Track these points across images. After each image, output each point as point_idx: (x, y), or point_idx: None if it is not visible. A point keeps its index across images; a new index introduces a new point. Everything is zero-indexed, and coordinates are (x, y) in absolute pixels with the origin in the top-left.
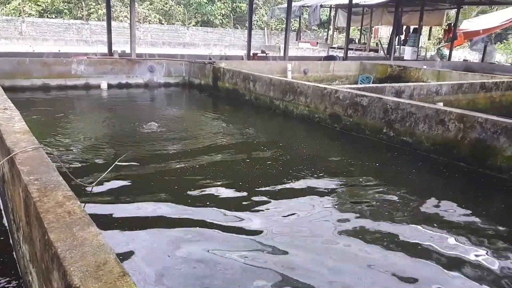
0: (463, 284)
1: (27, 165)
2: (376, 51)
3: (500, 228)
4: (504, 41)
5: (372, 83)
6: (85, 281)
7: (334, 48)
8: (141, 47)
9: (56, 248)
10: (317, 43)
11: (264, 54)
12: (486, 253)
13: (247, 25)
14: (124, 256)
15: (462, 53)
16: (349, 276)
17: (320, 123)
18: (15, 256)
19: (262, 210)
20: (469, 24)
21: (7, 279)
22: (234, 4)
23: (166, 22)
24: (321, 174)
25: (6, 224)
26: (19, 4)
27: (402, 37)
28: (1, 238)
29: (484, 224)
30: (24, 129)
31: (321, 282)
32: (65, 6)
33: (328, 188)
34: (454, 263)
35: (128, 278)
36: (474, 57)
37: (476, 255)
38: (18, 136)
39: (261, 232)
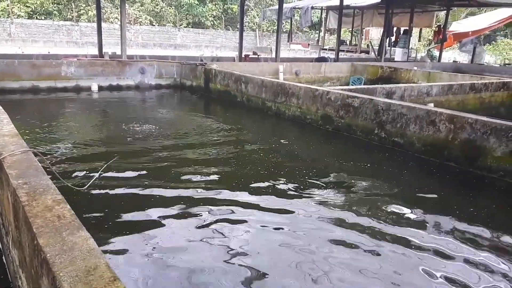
0: (454, 285)
1: (16, 168)
2: (367, 52)
3: (491, 228)
4: (493, 42)
5: (363, 84)
6: (74, 286)
7: (326, 49)
8: (132, 49)
9: (45, 253)
10: (309, 44)
11: (256, 56)
12: (478, 253)
13: (238, 26)
14: (115, 261)
15: (452, 54)
16: (339, 280)
17: (312, 124)
18: (4, 260)
19: (254, 211)
20: (458, 26)
21: None
22: (226, 5)
23: (157, 24)
24: (313, 175)
25: None
26: (7, 5)
27: (393, 38)
28: None
29: (475, 224)
30: (12, 132)
31: (309, 284)
32: (54, 7)
33: (319, 189)
34: (446, 264)
35: (119, 283)
36: (463, 58)
37: (467, 255)
38: (6, 139)
39: (253, 233)
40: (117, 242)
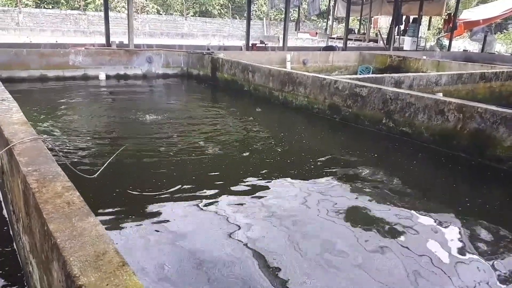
0: (463, 277)
1: (26, 156)
2: (376, 41)
3: (501, 219)
4: (504, 31)
5: (372, 74)
6: (84, 270)
7: (334, 38)
8: (139, 38)
9: (56, 238)
10: (317, 33)
11: (263, 45)
12: (487, 245)
13: (245, 15)
14: (124, 247)
15: (462, 43)
16: (346, 270)
17: (319, 114)
18: (15, 246)
19: (261, 201)
20: (469, 14)
21: (8, 269)
22: None
23: (164, 13)
24: (320, 165)
25: (6, 215)
26: None
27: (402, 27)
28: (2, 229)
29: (485, 215)
30: (22, 120)
31: (318, 272)
32: None
33: (327, 180)
34: (455, 255)
35: (127, 268)
36: (474, 47)
37: (477, 246)
38: (16, 127)
39: (260, 223)
40: (126, 229)
